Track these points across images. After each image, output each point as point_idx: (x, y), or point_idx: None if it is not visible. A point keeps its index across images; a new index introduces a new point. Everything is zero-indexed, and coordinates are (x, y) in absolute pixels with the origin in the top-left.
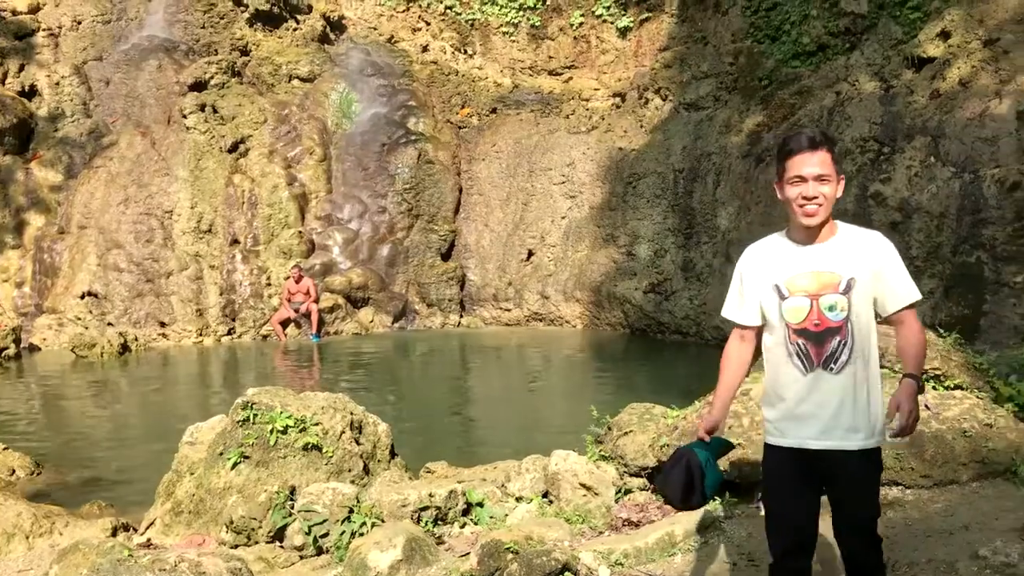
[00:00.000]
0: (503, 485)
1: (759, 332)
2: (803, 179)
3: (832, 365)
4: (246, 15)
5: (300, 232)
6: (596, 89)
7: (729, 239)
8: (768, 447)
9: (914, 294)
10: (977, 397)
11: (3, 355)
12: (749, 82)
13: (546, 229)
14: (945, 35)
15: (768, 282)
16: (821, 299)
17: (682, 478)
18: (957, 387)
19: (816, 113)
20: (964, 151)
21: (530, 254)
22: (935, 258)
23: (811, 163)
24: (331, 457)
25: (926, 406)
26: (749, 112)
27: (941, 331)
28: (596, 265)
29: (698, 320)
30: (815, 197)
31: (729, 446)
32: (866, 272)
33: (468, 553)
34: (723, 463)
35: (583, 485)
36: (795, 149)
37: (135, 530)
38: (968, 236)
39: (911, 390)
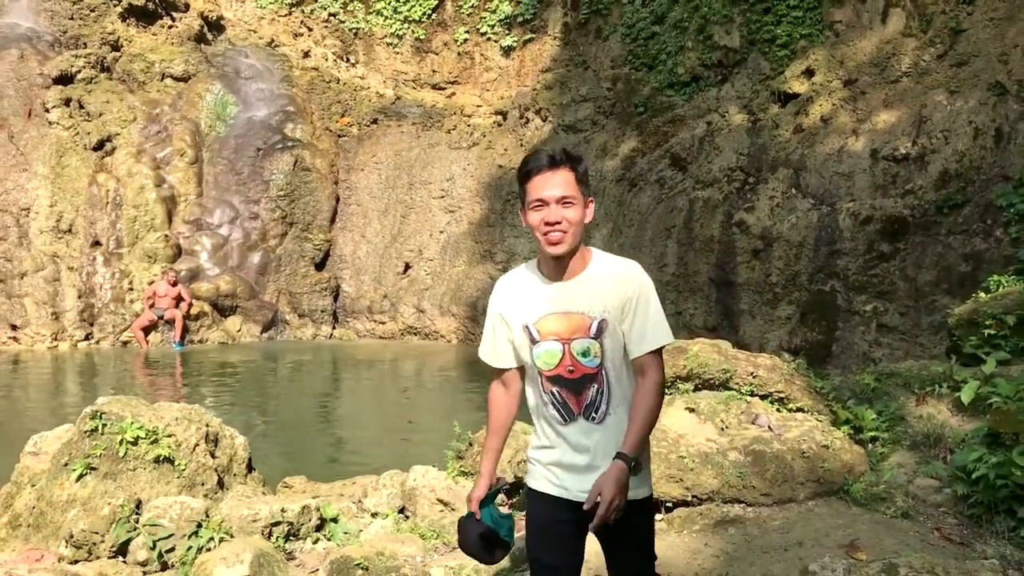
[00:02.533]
0: (360, 501)
1: (522, 371)
2: (544, 202)
3: (593, 415)
4: (119, 9)
5: (167, 236)
6: (478, 106)
7: None
8: (533, 492)
9: (661, 337)
10: (816, 419)
11: None
12: (626, 108)
13: (424, 243)
14: (809, 73)
15: (519, 323)
16: (573, 343)
17: (481, 546)
18: (799, 410)
19: (688, 142)
20: (823, 184)
21: (407, 267)
22: (792, 285)
23: (551, 184)
24: (183, 470)
25: (768, 427)
26: (625, 137)
27: (787, 355)
28: (473, 280)
29: None
30: (558, 222)
31: (500, 488)
32: (615, 310)
33: (318, 569)
34: None
35: (440, 500)
36: (534, 169)
37: None
38: (824, 265)
39: (618, 474)
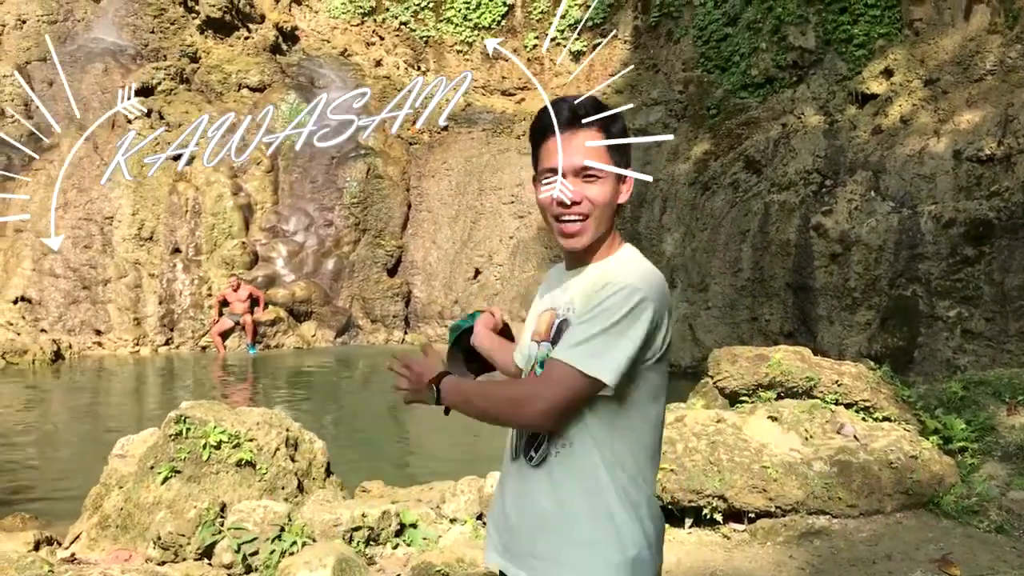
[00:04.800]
0: (438, 506)
1: None
2: (556, 174)
3: (532, 453)
4: (197, 22)
5: (244, 243)
6: None
7: (674, 265)
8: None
9: (580, 356)
10: (904, 429)
11: None
12: (698, 111)
13: (494, 248)
14: (888, 73)
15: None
16: (541, 348)
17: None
18: (885, 419)
19: (762, 144)
20: (903, 187)
21: (477, 272)
22: (872, 290)
23: (569, 149)
24: (265, 474)
25: (854, 437)
26: (697, 140)
27: (872, 363)
28: None
29: None
30: (576, 203)
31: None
32: (580, 312)
33: (399, 575)
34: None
35: None
36: (548, 127)
37: (60, 544)
38: (905, 270)
39: (430, 372)
